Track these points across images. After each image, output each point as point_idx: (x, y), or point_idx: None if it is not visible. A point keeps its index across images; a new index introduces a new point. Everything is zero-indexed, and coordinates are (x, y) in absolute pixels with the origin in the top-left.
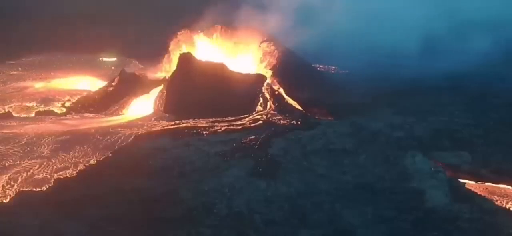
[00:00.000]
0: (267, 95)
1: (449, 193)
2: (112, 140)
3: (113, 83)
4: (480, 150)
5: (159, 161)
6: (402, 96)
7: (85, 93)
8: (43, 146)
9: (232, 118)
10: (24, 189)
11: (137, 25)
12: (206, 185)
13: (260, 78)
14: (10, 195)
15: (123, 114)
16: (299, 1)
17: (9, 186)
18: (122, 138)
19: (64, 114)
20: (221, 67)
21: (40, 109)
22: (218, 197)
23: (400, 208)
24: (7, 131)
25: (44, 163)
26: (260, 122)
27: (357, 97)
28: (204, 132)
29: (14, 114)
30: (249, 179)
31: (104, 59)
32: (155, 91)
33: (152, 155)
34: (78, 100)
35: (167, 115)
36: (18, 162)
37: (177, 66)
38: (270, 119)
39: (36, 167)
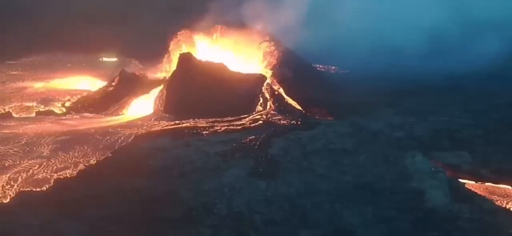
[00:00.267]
0: (267, 95)
1: (449, 193)
2: (112, 140)
3: (113, 83)
4: (480, 150)
5: (159, 161)
6: (402, 96)
7: (85, 93)
8: (43, 146)
9: (232, 118)
10: (24, 189)
11: (137, 25)
12: (206, 185)
13: (260, 78)
14: (10, 195)
15: (123, 114)
16: (304, 1)
17: (9, 186)
18: (122, 138)
19: (64, 114)
20: (221, 67)
21: (40, 109)
22: (218, 197)
23: (400, 208)
24: (7, 131)
25: (44, 163)
26: (260, 122)
27: (357, 97)
28: (204, 132)
29: (14, 114)
30: (249, 179)
31: (104, 59)
32: (155, 91)
33: (152, 155)
34: (78, 100)
35: (167, 115)
36: (18, 162)
37: (177, 66)
38: (270, 119)
39: (36, 167)
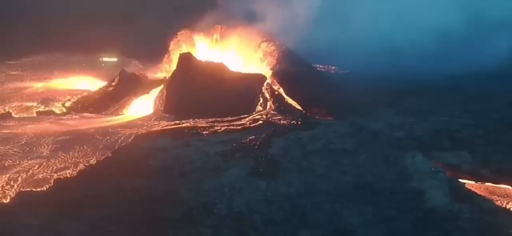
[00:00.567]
0: (267, 95)
1: (449, 193)
2: (112, 140)
3: (113, 83)
4: (480, 150)
5: (159, 161)
6: (402, 96)
7: (85, 93)
8: (43, 146)
9: (232, 118)
10: (24, 189)
11: (137, 25)
12: (206, 185)
13: (260, 78)
14: (10, 195)
15: (123, 114)
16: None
17: (9, 186)
18: (122, 138)
19: (64, 114)
20: (221, 67)
21: (40, 109)
22: (218, 197)
23: (400, 208)
24: (7, 131)
25: (44, 163)
26: (260, 122)
27: (357, 97)
28: (204, 132)
29: (14, 114)
30: (249, 179)
31: (104, 59)
32: (155, 91)
33: (152, 155)
34: (78, 100)
35: (167, 115)
36: (18, 162)
37: (177, 66)
38: (270, 119)
39: (36, 167)
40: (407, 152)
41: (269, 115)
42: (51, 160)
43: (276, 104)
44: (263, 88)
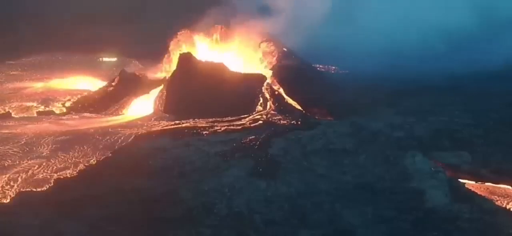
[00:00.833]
0: (267, 95)
1: (449, 193)
2: (112, 140)
3: (113, 83)
4: (480, 150)
5: (159, 161)
6: (402, 96)
7: (85, 93)
8: (43, 146)
9: (232, 118)
10: (24, 189)
11: (137, 25)
12: (206, 185)
13: (260, 78)
14: (10, 195)
15: (123, 114)
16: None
17: (9, 186)
18: (122, 138)
19: (64, 114)
20: (221, 67)
21: (40, 109)
22: (218, 197)
23: (400, 208)
24: (7, 131)
25: (44, 163)
26: (260, 122)
27: (357, 97)
28: (204, 132)
29: (14, 114)
30: (249, 179)
31: (104, 59)
32: (155, 91)
33: (152, 155)
34: (78, 100)
35: (167, 115)
36: (18, 162)
37: (177, 66)
38: (270, 119)
39: (36, 167)
40: (407, 152)
41: (269, 115)
42: (51, 160)
43: (276, 104)
44: (263, 88)
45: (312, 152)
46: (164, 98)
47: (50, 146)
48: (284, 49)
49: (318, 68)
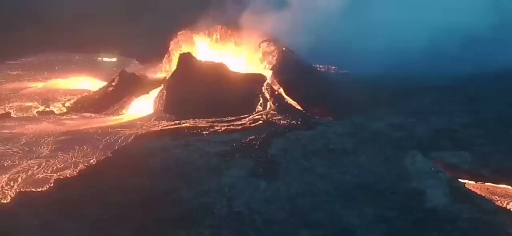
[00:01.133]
0: (267, 95)
1: (449, 193)
2: (112, 140)
3: (113, 83)
4: (480, 150)
5: (159, 161)
6: (402, 96)
7: (85, 93)
8: (43, 146)
9: (232, 118)
10: (24, 189)
11: (137, 25)
12: (206, 185)
13: (260, 78)
14: (10, 195)
15: (123, 114)
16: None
17: (9, 186)
18: (122, 138)
19: (64, 114)
20: (221, 67)
21: (40, 109)
22: (218, 197)
23: (400, 208)
24: (7, 131)
25: (44, 163)
26: (260, 122)
27: (357, 97)
28: (204, 132)
29: (14, 114)
30: (249, 179)
31: (104, 59)
32: (155, 91)
33: (152, 155)
34: (78, 100)
35: (167, 115)
36: (18, 162)
37: (177, 66)
38: (270, 119)
39: (36, 167)
40: (407, 152)
41: (269, 115)
42: (51, 160)
43: (276, 104)
44: (263, 88)
45: (312, 152)
46: (164, 98)
47: (50, 146)
48: (284, 49)
49: (318, 68)
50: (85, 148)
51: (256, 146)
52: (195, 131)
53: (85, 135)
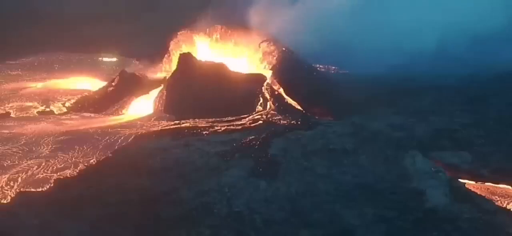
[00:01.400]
0: (267, 95)
1: (449, 193)
2: (112, 140)
3: (113, 83)
4: (480, 150)
5: (159, 161)
6: (402, 96)
7: (85, 93)
8: (42, 146)
9: (232, 118)
10: (24, 189)
11: (138, 25)
12: (206, 185)
13: (260, 78)
14: (10, 196)
15: (123, 114)
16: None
17: (8, 186)
18: (122, 138)
19: (64, 114)
20: (221, 67)
21: (40, 109)
22: (218, 197)
23: (400, 208)
24: (7, 131)
25: (44, 163)
26: (260, 122)
27: (357, 97)
28: (204, 132)
29: (14, 114)
30: (249, 179)
31: (104, 59)
32: (155, 91)
33: (152, 155)
34: (78, 100)
35: (167, 115)
36: (18, 162)
37: (177, 66)
38: (270, 119)
39: (36, 167)
40: (407, 152)
41: (269, 115)
42: (51, 160)
43: (276, 104)
44: (263, 88)
45: (312, 152)
46: (164, 98)
47: (50, 146)
48: (284, 49)
49: (318, 68)
50: (85, 148)
51: (256, 146)
52: (195, 131)
53: (85, 135)
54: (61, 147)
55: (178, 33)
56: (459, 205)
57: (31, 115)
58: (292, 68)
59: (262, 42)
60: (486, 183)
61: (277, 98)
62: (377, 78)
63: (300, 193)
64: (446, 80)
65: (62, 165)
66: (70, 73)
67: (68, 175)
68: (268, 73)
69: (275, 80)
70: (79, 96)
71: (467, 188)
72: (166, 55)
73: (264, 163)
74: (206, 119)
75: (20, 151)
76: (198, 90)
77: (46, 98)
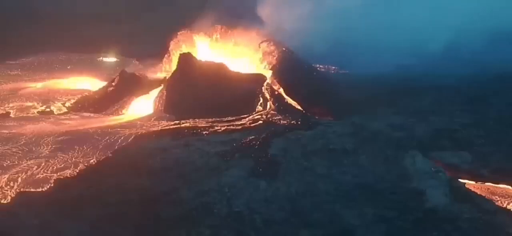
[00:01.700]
0: (267, 95)
1: (449, 193)
2: (112, 140)
3: (113, 83)
4: (480, 150)
5: (159, 161)
6: (402, 96)
7: (85, 93)
8: (42, 146)
9: (232, 118)
10: (24, 189)
11: (138, 25)
12: (206, 185)
13: (260, 78)
14: (10, 195)
15: (123, 114)
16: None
17: (8, 186)
18: (122, 138)
19: (64, 114)
20: (221, 67)
21: (40, 109)
22: (218, 197)
23: (400, 208)
24: (7, 131)
25: (44, 163)
26: (260, 122)
27: (357, 97)
28: (204, 132)
29: (13, 114)
30: (249, 179)
31: (104, 59)
32: (155, 91)
33: (152, 155)
34: (78, 100)
35: (167, 115)
36: (18, 162)
37: (177, 66)
38: (270, 119)
39: (36, 167)
40: (407, 152)
41: (269, 115)
42: (51, 160)
43: (276, 104)
44: (263, 88)
45: (312, 152)
46: (164, 98)
47: (50, 146)
48: (284, 49)
49: (318, 68)
50: (85, 148)
51: (256, 146)
52: (195, 131)
53: (85, 135)
54: (61, 147)
55: (178, 33)
56: (459, 205)
57: (31, 115)
58: (292, 68)
59: (262, 42)
60: (486, 183)
61: (277, 98)
62: (377, 78)
63: (300, 193)
64: (446, 80)
65: (62, 165)
66: (70, 73)
67: (68, 175)
68: (268, 73)
69: (275, 80)
70: (79, 96)
71: (467, 188)
72: (166, 55)
73: (264, 163)
74: (206, 119)
75: (20, 151)
76: (198, 90)
77: (46, 98)
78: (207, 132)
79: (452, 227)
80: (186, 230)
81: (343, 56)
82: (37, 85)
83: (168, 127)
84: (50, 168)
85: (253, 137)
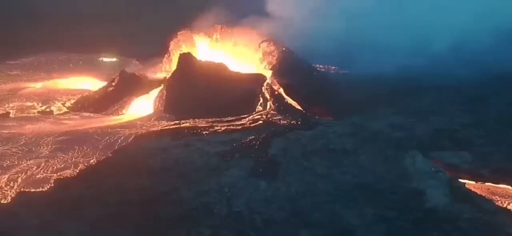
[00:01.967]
0: (267, 95)
1: (449, 193)
2: (112, 140)
3: (113, 83)
4: (480, 150)
5: (159, 161)
6: (402, 96)
7: (85, 93)
8: (42, 146)
9: (232, 118)
10: (24, 189)
11: (137, 25)
12: (206, 185)
13: (260, 78)
14: (10, 195)
15: (123, 114)
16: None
17: (8, 186)
18: (122, 138)
19: (64, 114)
20: (221, 67)
21: (40, 109)
22: (218, 197)
23: (400, 208)
24: (7, 131)
25: (44, 163)
26: (260, 122)
27: (357, 97)
28: (204, 132)
29: (13, 114)
30: (249, 179)
31: (104, 59)
32: (155, 91)
33: (152, 155)
34: (78, 100)
35: (167, 115)
36: (18, 162)
37: (177, 66)
38: (270, 119)
39: (36, 167)
40: (407, 152)
41: (269, 115)
42: (51, 160)
43: (276, 104)
44: (263, 88)
45: (312, 152)
46: (164, 98)
47: (50, 146)
48: (284, 49)
49: (318, 68)
50: (85, 148)
51: (256, 146)
52: (195, 131)
53: (85, 135)
54: (61, 147)
55: (178, 33)
56: (459, 205)
57: (31, 115)
58: (292, 68)
59: (262, 42)
60: (486, 183)
61: (277, 98)
62: (377, 78)
63: (300, 193)
64: (446, 80)
65: (62, 165)
66: (70, 73)
67: (68, 175)
68: (268, 73)
69: (275, 80)
70: (79, 96)
71: (467, 188)
72: (166, 55)
73: (264, 163)
74: (206, 119)
75: (20, 151)
76: (198, 90)
77: (46, 98)
78: (207, 132)
79: (452, 227)
80: (186, 230)
81: (347, 55)
82: (37, 85)
83: (168, 127)
84: (50, 168)
85: (253, 137)
